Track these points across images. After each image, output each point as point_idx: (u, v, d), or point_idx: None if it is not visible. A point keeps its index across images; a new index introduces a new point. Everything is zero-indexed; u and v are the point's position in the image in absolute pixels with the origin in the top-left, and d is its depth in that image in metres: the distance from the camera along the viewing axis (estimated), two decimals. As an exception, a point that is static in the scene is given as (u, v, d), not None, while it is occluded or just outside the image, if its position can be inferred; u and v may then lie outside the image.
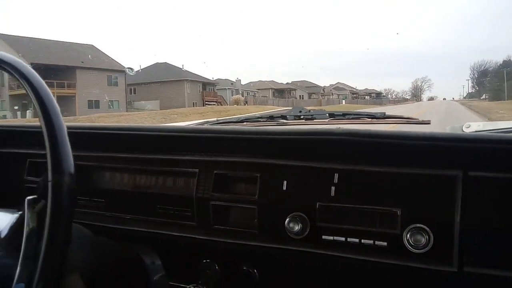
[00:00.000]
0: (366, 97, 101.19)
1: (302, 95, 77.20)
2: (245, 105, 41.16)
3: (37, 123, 1.37)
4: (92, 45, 41.51)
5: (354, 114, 1.30)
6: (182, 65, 50.19)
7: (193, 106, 40.03)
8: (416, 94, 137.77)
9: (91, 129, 1.30)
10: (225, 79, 61.18)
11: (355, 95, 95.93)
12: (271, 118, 1.38)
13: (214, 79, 56.97)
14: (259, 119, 1.40)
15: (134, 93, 46.63)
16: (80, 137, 1.29)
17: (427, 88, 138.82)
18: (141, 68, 49.18)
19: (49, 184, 0.67)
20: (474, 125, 1.27)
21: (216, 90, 53.65)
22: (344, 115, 1.30)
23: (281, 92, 73.25)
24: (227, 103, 47.37)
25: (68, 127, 0.80)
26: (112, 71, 39.22)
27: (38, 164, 1.29)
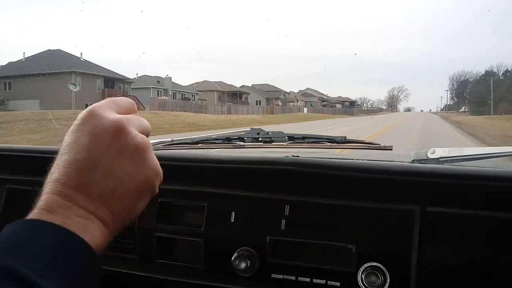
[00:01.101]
0: (338, 105, 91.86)
1: (259, 100, 66.39)
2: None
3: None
4: None
5: (313, 138, 1.23)
6: (81, 54, 36.02)
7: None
8: (392, 104, 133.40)
9: (28, 152, 1.19)
10: (155, 76, 47.59)
11: (324, 103, 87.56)
12: (228, 140, 1.30)
13: (138, 75, 44.40)
14: (215, 141, 1.32)
15: (9, 88, 34.21)
16: (16, 160, 1.20)
17: (403, 98, 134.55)
18: (25, 56, 35.92)
19: None
20: (439, 151, 1.22)
21: (132, 89, 40.38)
22: (303, 139, 1.23)
23: (230, 95, 60.27)
24: (144, 106, 33.49)
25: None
26: None
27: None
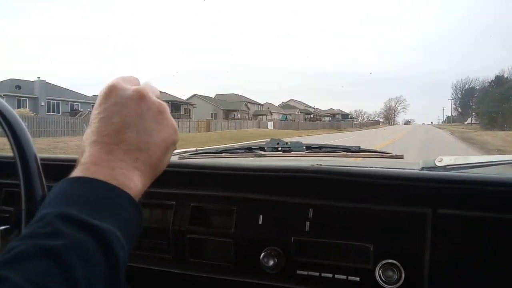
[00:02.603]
0: (327, 118, 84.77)
1: (215, 113, 55.30)
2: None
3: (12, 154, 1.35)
4: None
5: (330, 147, 1.33)
6: None
7: None
8: (388, 116, 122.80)
9: (68, 161, 1.29)
10: (19, 79, 34.52)
11: (309, 116, 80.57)
12: (249, 149, 1.40)
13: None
14: (238, 151, 1.42)
15: None
16: (59, 168, 1.29)
17: (401, 110, 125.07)
18: None
19: (23, 212, 0.67)
20: (446, 159, 1.31)
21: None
22: (320, 148, 1.33)
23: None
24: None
25: (45, 159, 0.81)
26: None
27: (14, 193, 1.28)
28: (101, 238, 0.42)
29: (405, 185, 0.97)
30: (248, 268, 1.04)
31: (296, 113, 75.67)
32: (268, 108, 70.15)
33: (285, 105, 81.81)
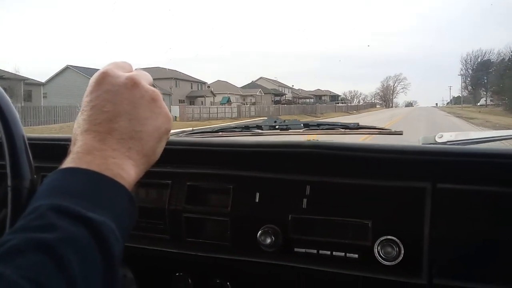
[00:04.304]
0: (309, 100, 72.81)
1: None
2: None
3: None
4: None
5: (328, 125, 1.31)
6: None
7: None
8: (386, 98, 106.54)
9: (59, 140, 1.27)
10: None
11: (279, 97, 66.07)
12: (246, 128, 1.38)
13: None
14: (235, 130, 1.40)
15: None
16: (47, 147, 1.27)
17: (401, 90, 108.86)
18: None
19: (9, 189, 0.66)
20: (446, 135, 1.29)
21: None
22: (318, 125, 1.31)
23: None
24: None
25: (33, 138, 0.79)
26: None
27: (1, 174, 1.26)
28: (95, 230, 0.41)
29: (404, 159, 0.95)
30: (245, 247, 1.03)
31: (258, 93, 59.52)
32: (209, 87, 54.12)
33: (250, 85, 65.06)
